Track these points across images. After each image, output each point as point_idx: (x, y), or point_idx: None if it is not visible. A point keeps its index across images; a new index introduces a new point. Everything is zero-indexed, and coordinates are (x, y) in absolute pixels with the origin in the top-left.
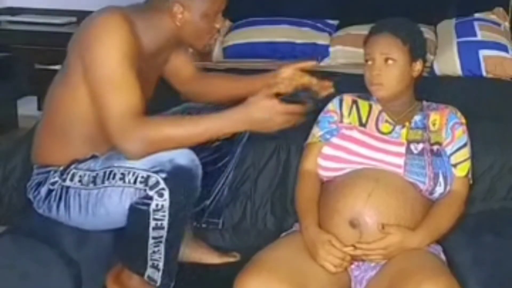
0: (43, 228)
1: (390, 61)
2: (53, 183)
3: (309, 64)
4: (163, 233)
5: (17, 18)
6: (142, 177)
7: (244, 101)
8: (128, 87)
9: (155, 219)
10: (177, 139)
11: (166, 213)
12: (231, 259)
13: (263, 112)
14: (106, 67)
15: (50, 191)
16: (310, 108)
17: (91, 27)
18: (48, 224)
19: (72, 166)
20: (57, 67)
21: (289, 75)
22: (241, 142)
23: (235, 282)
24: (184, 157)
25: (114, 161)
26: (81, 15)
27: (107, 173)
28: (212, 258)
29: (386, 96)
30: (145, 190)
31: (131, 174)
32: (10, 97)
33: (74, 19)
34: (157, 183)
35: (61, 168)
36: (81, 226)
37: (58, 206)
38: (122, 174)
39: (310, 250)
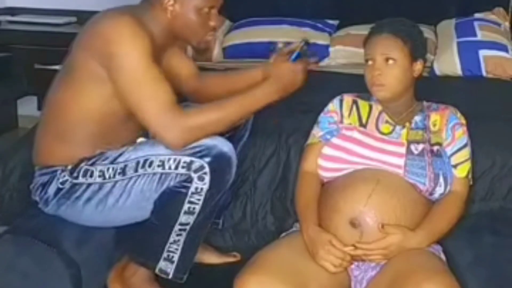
0: (43, 228)
1: (390, 61)
2: (63, 182)
3: (297, 45)
4: (192, 219)
5: (17, 18)
6: (185, 162)
7: (265, 78)
8: (159, 81)
9: (189, 202)
10: (217, 122)
11: (202, 198)
12: (231, 259)
13: (288, 76)
14: (134, 66)
15: (59, 190)
16: (316, 58)
17: (106, 30)
18: (48, 224)
19: (83, 164)
20: (57, 67)
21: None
22: (241, 142)
23: (235, 282)
24: (225, 145)
25: (146, 151)
26: (81, 15)
27: (141, 162)
28: (212, 258)
29: (388, 97)
30: (187, 174)
31: (172, 160)
32: (10, 97)
33: (74, 19)
34: (202, 167)
35: (69, 167)
36: (92, 222)
37: (69, 203)
38: (161, 161)
39: (310, 250)
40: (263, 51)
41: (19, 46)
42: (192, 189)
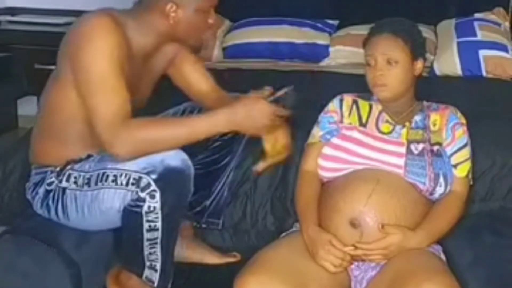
0: (43, 228)
1: (392, 62)
2: (49, 184)
3: (281, 94)
4: (158, 234)
5: (17, 18)
6: (134, 178)
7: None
8: (115, 90)
9: (148, 221)
10: (165, 140)
11: (159, 215)
12: (231, 259)
13: (255, 112)
14: (93, 70)
15: (48, 192)
16: (291, 113)
17: (79, 30)
18: (48, 224)
19: (68, 167)
20: None
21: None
22: (242, 142)
23: (235, 282)
24: (175, 158)
25: (107, 162)
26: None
27: (100, 175)
28: (212, 258)
29: (390, 97)
30: (137, 192)
31: (123, 176)
32: (10, 97)
33: (74, 19)
34: (148, 184)
35: (58, 168)
36: (80, 226)
37: (56, 207)
38: (115, 176)
39: (310, 250)
40: (263, 51)
41: (19, 46)
42: (145, 208)
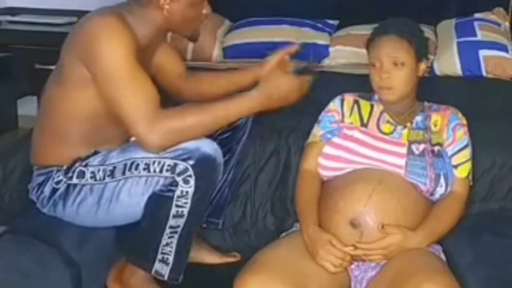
0: (43, 228)
1: (398, 64)
2: (57, 182)
3: (293, 49)
4: (181, 222)
5: (17, 18)
6: (169, 165)
7: (260, 82)
8: (142, 82)
9: (177, 206)
10: (199, 125)
11: (189, 200)
12: (231, 259)
13: (284, 89)
14: (117, 67)
15: (55, 190)
16: (317, 75)
17: (89, 30)
18: (48, 224)
19: (77, 164)
20: None
21: (276, 62)
22: (241, 141)
23: (235, 282)
24: (209, 146)
25: (133, 153)
26: (81, 15)
27: (128, 164)
28: (212, 258)
29: (395, 99)
30: (172, 177)
31: (156, 163)
32: (10, 97)
33: (74, 19)
34: (185, 169)
35: (65, 167)
36: (88, 223)
37: (64, 205)
38: (146, 164)
39: (310, 250)
40: (263, 51)
41: (19, 46)
42: (178, 193)
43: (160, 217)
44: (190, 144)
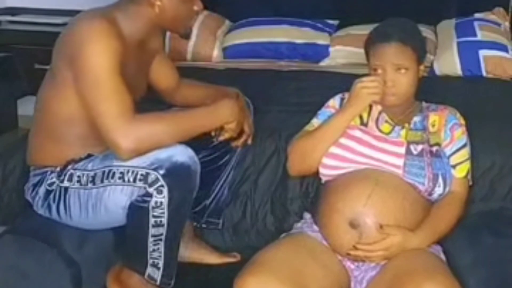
0: (43, 228)
1: (402, 70)
2: (50, 184)
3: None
4: (163, 230)
5: (17, 18)
6: (142, 174)
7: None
8: (119, 91)
9: (154, 216)
10: (170, 134)
11: (165, 210)
12: (231, 259)
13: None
14: (96, 73)
15: (48, 192)
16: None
17: (76, 33)
18: (48, 224)
19: (69, 167)
20: None
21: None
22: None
23: (235, 282)
24: (182, 154)
25: (113, 160)
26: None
27: (106, 172)
28: (212, 258)
29: (399, 103)
30: (144, 187)
31: (130, 172)
32: (10, 97)
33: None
34: (156, 180)
35: (58, 169)
36: (82, 226)
37: (58, 207)
38: (121, 173)
39: (352, 104)
40: (263, 51)
41: (19, 46)
42: (152, 204)
43: (140, 227)
44: (162, 152)
